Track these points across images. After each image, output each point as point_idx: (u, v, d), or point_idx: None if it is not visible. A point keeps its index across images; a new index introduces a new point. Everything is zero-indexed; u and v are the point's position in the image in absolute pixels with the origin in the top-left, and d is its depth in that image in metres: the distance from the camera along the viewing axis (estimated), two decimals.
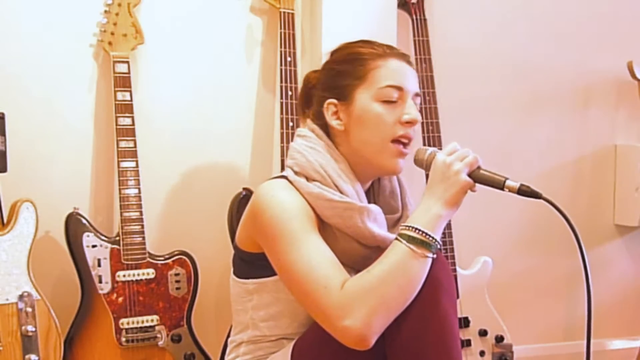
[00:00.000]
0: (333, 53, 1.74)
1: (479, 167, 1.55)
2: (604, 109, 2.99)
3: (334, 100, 1.66)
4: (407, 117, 1.63)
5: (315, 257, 1.51)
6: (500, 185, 1.53)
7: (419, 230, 1.49)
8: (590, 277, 1.51)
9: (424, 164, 1.60)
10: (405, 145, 1.65)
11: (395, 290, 1.47)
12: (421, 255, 1.49)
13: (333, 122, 1.66)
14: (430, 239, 1.50)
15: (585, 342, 1.55)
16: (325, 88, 1.69)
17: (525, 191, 1.51)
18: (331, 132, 1.68)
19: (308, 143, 1.66)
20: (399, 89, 1.63)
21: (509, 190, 1.52)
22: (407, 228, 1.51)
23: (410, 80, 1.66)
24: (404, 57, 1.69)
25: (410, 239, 1.49)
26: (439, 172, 1.54)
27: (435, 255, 1.51)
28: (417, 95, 1.67)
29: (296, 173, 1.63)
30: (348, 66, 1.66)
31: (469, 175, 1.54)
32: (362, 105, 1.63)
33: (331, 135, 1.68)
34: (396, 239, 1.51)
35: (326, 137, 1.68)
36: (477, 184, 1.55)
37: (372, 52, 1.66)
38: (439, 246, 1.52)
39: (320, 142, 1.66)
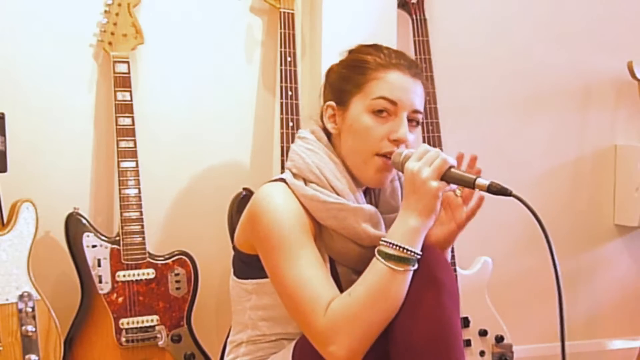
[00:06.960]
0: (348, 52, 1.71)
1: (450, 167, 1.52)
2: (604, 109, 2.98)
3: (333, 104, 1.66)
4: (395, 136, 1.59)
5: (306, 275, 1.51)
6: (471, 184, 1.51)
7: (396, 245, 1.48)
8: (559, 273, 1.50)
9: (400, 168, 1.58)
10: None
11: (378, 314, 1.48)
12: (401, 272, 1.48)
13: (329, 124, 1.67)
14: (409, 252, 1.49)
15: (560, 343, 1.55)
16: (330, 89, 1.69)
17: (494, 189, 1.49)
18: (330, 133, 1.69)
19: (307, 145, 1.66)
20: (393, 103, 1.59)
21: (480, 189, 1.51)
22: (384, 244, 1.50)
23: (410, 95, 1.61)
24: (410, 70, 1.63)
25: (388, 257, 1.48)
26: (409, 183, 1.52)
27: (416, 266, 1.50)
28: (415, 112, 1.62)
29: (294, 175, 1.63)
30: (351, 72, 1.65)
31: (442, 177, 1.51)
32: (354, 114, 1.62)
33: (330, 136, 1.69)
34: (375, 256, 1.50)
35: (326, 139, 1.68)
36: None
37: (376, 61, 1.62)
38: (419, 257, 1.51)
39: (318, 144, 1.66)
